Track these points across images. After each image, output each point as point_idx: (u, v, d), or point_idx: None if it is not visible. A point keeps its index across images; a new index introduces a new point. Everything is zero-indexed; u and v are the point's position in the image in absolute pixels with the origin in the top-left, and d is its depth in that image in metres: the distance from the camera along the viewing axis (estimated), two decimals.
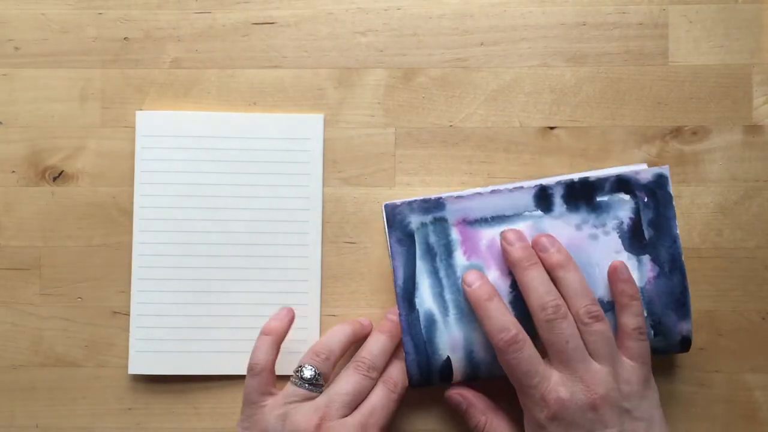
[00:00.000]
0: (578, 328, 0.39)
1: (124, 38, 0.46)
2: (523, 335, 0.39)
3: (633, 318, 0.40)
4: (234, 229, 0.45)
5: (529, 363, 0.38)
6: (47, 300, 0.45)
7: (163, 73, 0.46)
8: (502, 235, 0.41)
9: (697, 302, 0.45)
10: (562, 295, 0.39)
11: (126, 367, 0.45)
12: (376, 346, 0.42)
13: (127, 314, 0.45)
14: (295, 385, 0.40)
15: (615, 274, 0.40)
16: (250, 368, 0.41)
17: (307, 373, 0.40)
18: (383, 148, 0.46)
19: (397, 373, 0.42)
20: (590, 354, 0.38)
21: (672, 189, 0.42)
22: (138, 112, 0.45)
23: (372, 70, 0.46)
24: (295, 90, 0.46)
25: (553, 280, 0.40)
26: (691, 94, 0.45)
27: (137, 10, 0.46)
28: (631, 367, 0.39)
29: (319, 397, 0.40)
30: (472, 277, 0.41)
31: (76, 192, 0.46)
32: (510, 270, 0.41)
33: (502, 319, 0.39)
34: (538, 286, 0.39)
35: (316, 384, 0.40)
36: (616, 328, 0.40)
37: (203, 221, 0.45)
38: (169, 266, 0.45)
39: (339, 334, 0.42)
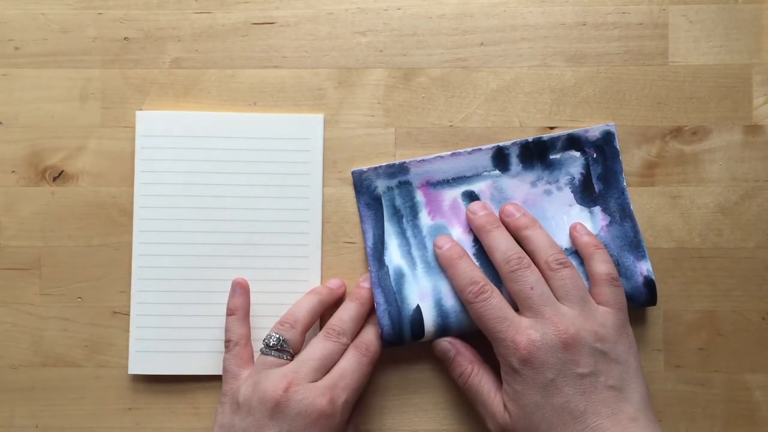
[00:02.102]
0: (546, 275, 0.40)
1: (124, 38, 0.46)
2: (491, 286, 0.41)
3: (602, 264, 0.41)
4: (234, 229, 0.45)
5: (498, 310, 0.40)
6: (47, 300, 0.45)
7: (163, 73, 0.46)
8: (468, 207, 0.44)
9: (697, 302, 0.45)
10: (529, 252, 0.41)
11: (126, 367, 0.45)
12: (346, 313, 0.43)
13: (127, 314, 0.45)
14: (263, 354, 0.41)
15: (575, 231, 0.43)
16: (226, 345, 0.42)
17: (271, 340, 0.41)
18: (383, 148, 0.46)
19: (368, 337, 0.42)
20: (560, 299, 0.40)
21: (618, 144, 0.45)
22: (138, 112, 0.45)
23: (372, 70, 0.46)
24: (295, 90, 0.46)
25: (521, 240, 0.42)
26: (691, 94, 0.45)
27: (137, 10, 0.46)
28: (605, 312, 0.40)
29: (289, 364, 0.40)
30: (442, 241, 0.43)
31: (76, 192, 0.46)
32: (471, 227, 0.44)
33: (470, 273, 0.41)
34: (501, 244, 0.41)
35: (282, 350, 0.41)
36: (588, 280, 0.42)
37: (203, 221, 0.45)
38: (169, 266, 0.45)
39: (305, 303, 0.43)
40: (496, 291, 0.41)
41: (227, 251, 0.45)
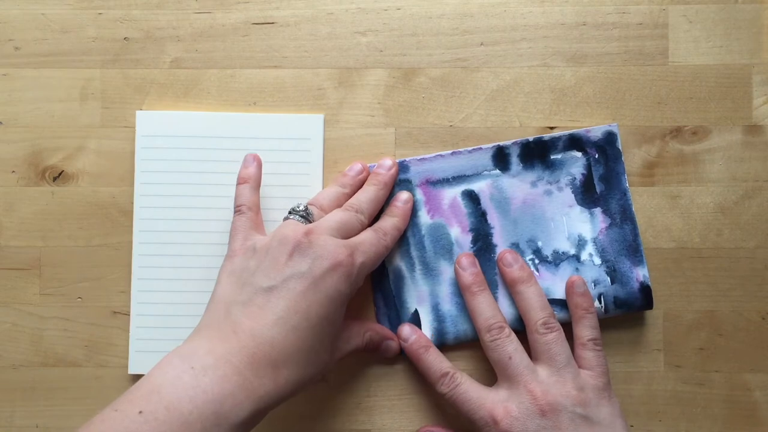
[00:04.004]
0: (532, 337, 0.41)
1: (124, 38, 0.46)
2: (459, 373, 0.41)
3: (588, 330, 0.41)
4: None
5: (470, 392, 0.40)
6: (47, 300, 0.45)
7: (163, 73, 0.46)
8: (457, 259, 0.43)
9: (697, 302, 0.45)
10: (521, 308, 0.42)
11: (126, 367, 0.45)
12: (364, 194, 0.43)
13: (127, 314, 0.45)
14: (286, 219, 0.41)
15: (571, 288, 0.42)
16: (237, 210, 0.42)
17: (298, 207, 0.41)
18: (383, 148, 0.46)
19: (385, 224, 0.42)
20: (543, 362, 0.40)
21: (621, 145, 0.44)
22: (138, 112, 0.45)
23: (372, 70, 0.46)
24: (295, 90, 0.46)
25: (514, 294, 0.42)
26: (691, 94, 0.45)
27: (137, 10, 0.46)
28: (587, 376, 0.40)
29: (308, 224, 0.40)
30: (406, 332, 0.43)
31: (76, 192, 0.46)
32: (471, 227, 0.44)
33: (438, 365, 0.42)
34: (484, 310, 0.42)
35: (306, 217, 0.40)
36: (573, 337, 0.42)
37: (203, 221, 0.45)
38: (169, 266, 0.45)
39: (328, 192, 0.43)
40: (464, 375, 0.41)
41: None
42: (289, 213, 0.41)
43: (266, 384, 0.35)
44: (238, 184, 0.42)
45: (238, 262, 0.39)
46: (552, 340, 0.40)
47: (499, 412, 0.39)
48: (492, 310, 0.42)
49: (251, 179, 0.42)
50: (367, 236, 0.40)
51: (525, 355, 0.40)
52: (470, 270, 0.43)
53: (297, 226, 0.39)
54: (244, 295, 0.37)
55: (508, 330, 0.41)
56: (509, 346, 0.40)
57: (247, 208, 0.41)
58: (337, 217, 0.40)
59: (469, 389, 0.41)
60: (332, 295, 0.37)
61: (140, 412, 0.32)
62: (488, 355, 0.41)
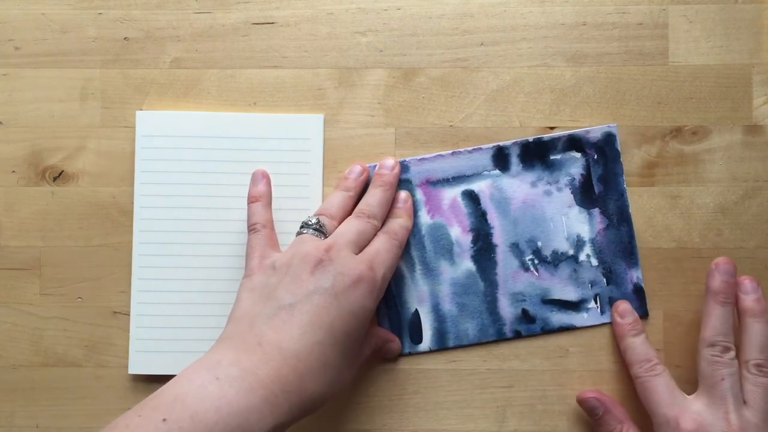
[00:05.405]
0: (743, 374, 0.39)
1: (124, 38, 0.46)
2: (663, 367, 0.41)
3: None
4: (234, 229, 0.45)
5: (665, 389, 0.40)
6: (47, 300, 0.45)
7: (163, 73, 0.46)
8: (716, 261, 0.42)
9: (697, 302, 0.45)
10: (742, 340, 0.40)
11: (126, 367, 0.45)
12: (373, 198, 0.42)
13: (127, 314, 0.45)
14: (300, 234, 0.41)
15: None
16: (252, 228, 0.42)
17: (310, 221, 0.41)
18: (383, 148, 0.46)
19: (395, 225, 0.42)
20: (746, 402, 0.39)
21: (620, 146, 0.44)
22: (138, 112, 0.45)
23: (372, 70, 0.46)
24: (295, 90, 0.46)
25: (740, 324, 0.41)
26: (691, 94, 0.45)
27: (137, 10, 0.46)
28: None
29: (326, 239, 0.40)
30: (625, 309, 0.43)
31: (76, 192, 0.46)
32: (471, 227, 0.44)
33: (645, 351, 0.41)
34: (718, 324, 0.40)
35: (319, 230, 0.40)
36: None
37: (203, 221, 0.45)
38: (169, 266, 0.45)
39: (335, 199, 0.43)
40: (667, 372, 0.41)
41: (227, 251, 0.45)
42: (302, 227, 0.41)
43: (291, 398, 0.35)
44: (250, 202, 0.43)
45: (257, 280, 0.39)
46: (762, 383, 0.39)
47: (687, 421, 0.38)
48: (725, 327, 0.40)
49: (263, 197, 0.43)
50: (381, 244, 0.40)
51: (738, 385, 0.39)
52: (725, 278, 0.41)
53: (316, 242, 0.39)
54: (268, 309, 0.37)
55: (733, 353, 0.39)
56: (726, 369, 0.39)
57: (262, 226, 0.42)
58: (353, 228, 0.40)
59: (664, 384, 0.40)
60: (356, 311, 0.37)
61: (164, 419, 0.31)
62: (700, 364, 0.40)
